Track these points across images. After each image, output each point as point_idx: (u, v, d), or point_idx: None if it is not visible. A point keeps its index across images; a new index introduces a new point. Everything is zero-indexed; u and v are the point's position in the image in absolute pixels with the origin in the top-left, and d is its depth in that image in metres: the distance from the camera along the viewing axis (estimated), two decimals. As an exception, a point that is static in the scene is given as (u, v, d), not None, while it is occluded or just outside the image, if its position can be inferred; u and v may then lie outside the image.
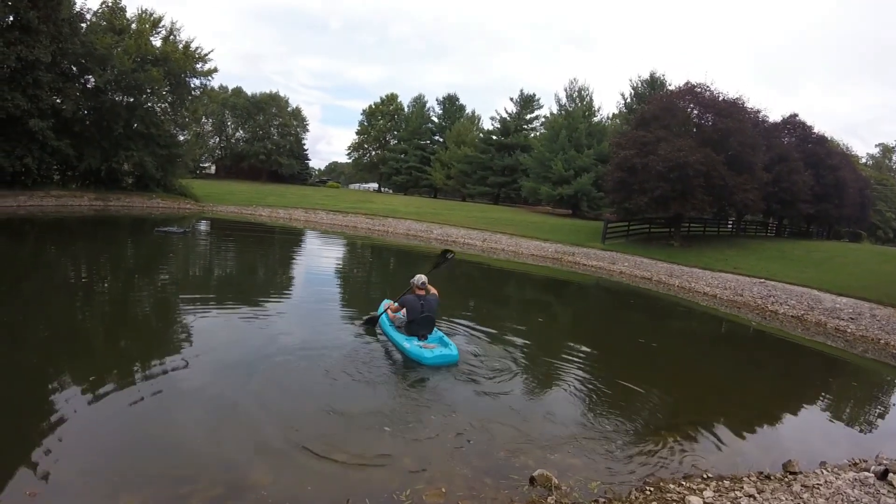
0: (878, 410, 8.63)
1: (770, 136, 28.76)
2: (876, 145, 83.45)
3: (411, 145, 63.00)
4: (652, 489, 4.56)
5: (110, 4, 31.27)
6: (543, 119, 51.73)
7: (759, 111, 27.70)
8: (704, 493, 4.50)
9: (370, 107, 69.22)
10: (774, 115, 42.71)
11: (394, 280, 15.69)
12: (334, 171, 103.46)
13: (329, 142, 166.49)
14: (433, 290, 8.14)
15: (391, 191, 67.60)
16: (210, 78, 36.25)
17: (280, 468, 4.44)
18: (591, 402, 6.72)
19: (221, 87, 64.72)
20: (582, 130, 40.47)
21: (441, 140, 62.15)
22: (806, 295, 16.51)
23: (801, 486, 4.73)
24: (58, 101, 27.17)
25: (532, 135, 51.64)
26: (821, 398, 8.76)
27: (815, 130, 33.03)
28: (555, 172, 39.36)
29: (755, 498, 4.47)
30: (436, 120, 65.15)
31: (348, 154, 73.22)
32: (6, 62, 22.53)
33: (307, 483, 4.25)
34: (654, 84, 41.77)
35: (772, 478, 5.00)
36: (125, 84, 29.54)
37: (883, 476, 4.91)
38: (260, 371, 6.51)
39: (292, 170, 64.23)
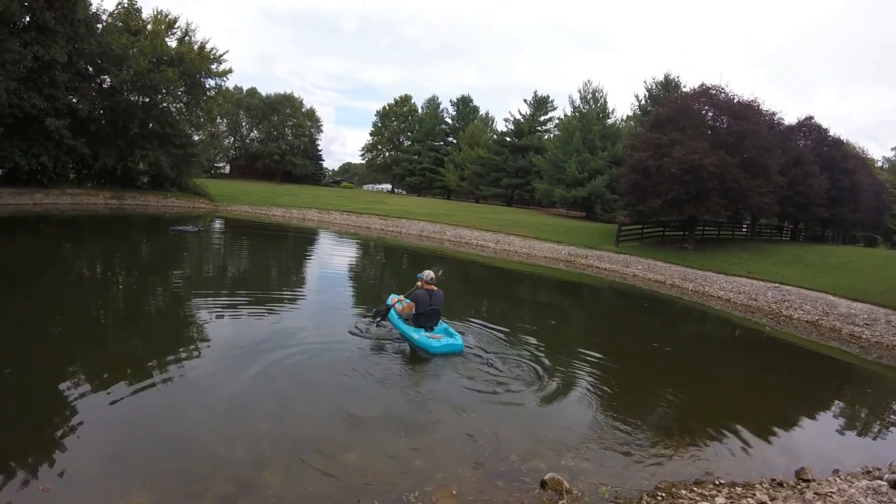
0: (892, 418, 8.50)
1: (785, 139, 28.46)
2: (892, 148, 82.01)
3: (425, 146, 63.05)
4: (663, 494, 4.54)
5: (126, 5, 31.69)
6: (557, 121, 51.42)
7: (774, 114, 27.47)
8: (716, 499, 4.47)
9: (384, 108, 69.54)
10: (790, 117, 42.14)
11: (405, 279, 15.71)
12: (348, 172, 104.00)
13: (343, 143, 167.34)
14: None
15: (405, 192, 67.70)
16: (225, 78, 36.70)
17: (291, 468, 4.48)
18: (603, 405, 6.70)
19: (236, 87, 65.40)
20: (596, 132, 40.28)
21: (454, 141, 62.14)
22: (821, 300, 16.31)
23: (814, 493, 4.69)
24: (74, 100, 27.53)
25: (546, 137, 51.48)
26: (834, 404, 8.68)
27: (831, 133, 32.60)
28: (568, 174, 39.18)
29: (767, 505, 4.44)
30: (449, 121, 65.18)
31: (362, 155, 73.74)
32: (23, 62, 22.86)
33: (317, 483, 4.29)
34: (668, 86, 41.36)
35: (784, 485, 4.96)
36: (141, 84, 29.94)
37: (897, 485, 4.85)
38: (273, 370, 6.57)
39: (306, 170, 64.59)
